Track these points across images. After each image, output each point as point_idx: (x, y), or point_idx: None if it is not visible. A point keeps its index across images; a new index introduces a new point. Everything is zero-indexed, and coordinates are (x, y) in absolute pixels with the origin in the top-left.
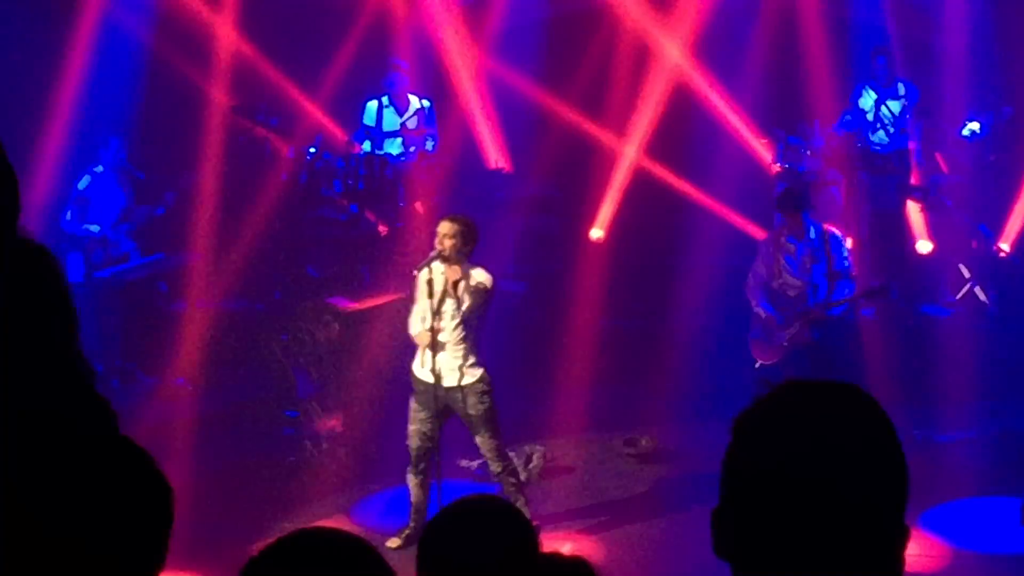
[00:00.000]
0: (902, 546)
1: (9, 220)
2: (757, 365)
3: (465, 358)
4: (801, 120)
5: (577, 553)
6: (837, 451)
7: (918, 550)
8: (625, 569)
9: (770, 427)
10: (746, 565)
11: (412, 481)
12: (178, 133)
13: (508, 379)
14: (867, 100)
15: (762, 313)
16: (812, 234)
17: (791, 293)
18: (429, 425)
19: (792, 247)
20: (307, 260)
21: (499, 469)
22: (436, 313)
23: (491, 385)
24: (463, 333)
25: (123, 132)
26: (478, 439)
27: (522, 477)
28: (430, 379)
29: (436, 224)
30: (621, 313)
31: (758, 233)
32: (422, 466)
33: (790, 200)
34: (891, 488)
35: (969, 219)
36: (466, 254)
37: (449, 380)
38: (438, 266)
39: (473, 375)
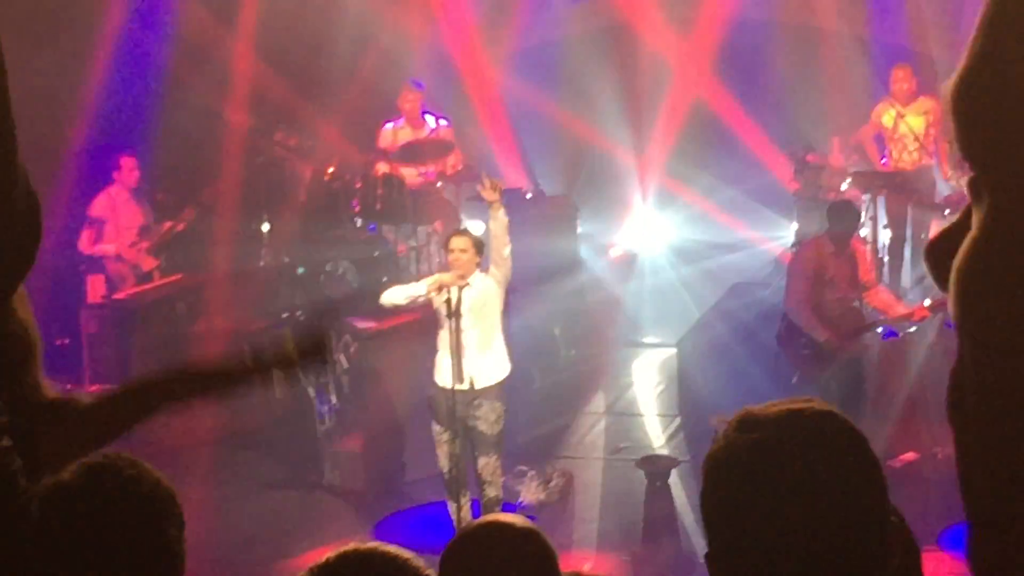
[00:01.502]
0: (897, 545)
1: (33, 245)
2: (794, 380)
3: (498, 353)
4: (820, 138)
5: (597, 573)
6: (805, 475)
7: (939, 569)
8: None
9: (737, 464)
10: None
11: (453, 508)
12: (196, 153)
13: (531, 398)
14: (888, 117)
15: (821, 335)
16: (849, 248)
17: (836, 308)
18: (454, 445)
19: (841, 259)
20: (326, 280)
21: (494, 494)
22: (459, 326)
23: (507, 405)
24: (494, 334)
25: (140, 152)
26: (482, 460)
27: (542, 497)
28: (456, 385)
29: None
30: (643, 331)
31: (776, 250)
32: (458, 490)
33: (851, 213)
34: (868, 495)
35: None
36: (478, 264)
37: (482, 382)
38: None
39: (505, 370)
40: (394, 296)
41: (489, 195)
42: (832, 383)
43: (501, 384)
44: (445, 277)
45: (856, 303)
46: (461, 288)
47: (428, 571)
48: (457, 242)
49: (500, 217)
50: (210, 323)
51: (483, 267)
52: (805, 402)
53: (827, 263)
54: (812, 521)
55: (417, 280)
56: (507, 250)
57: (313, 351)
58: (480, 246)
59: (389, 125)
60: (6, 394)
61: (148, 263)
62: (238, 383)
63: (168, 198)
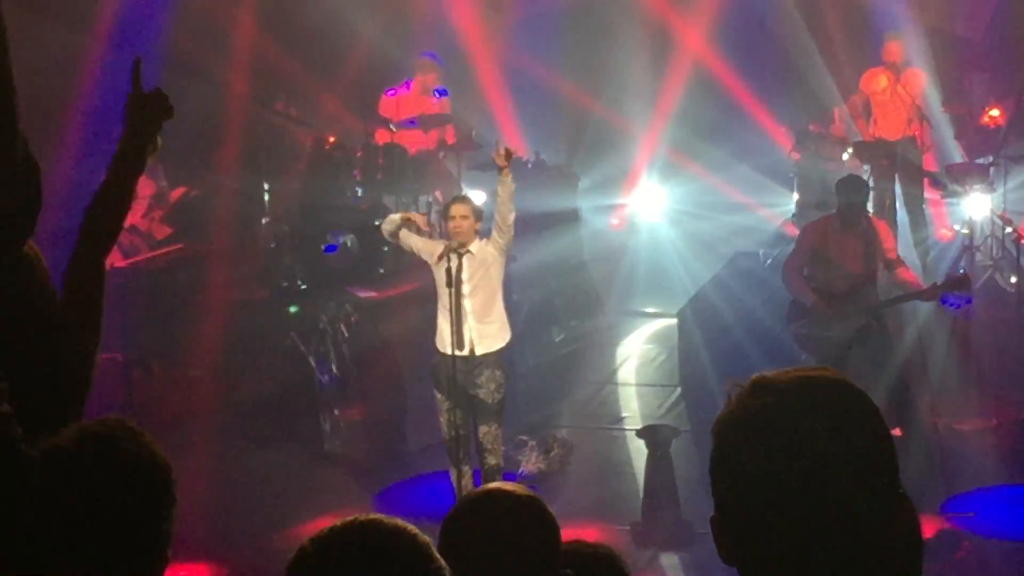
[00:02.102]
0: (904, 518)
1: (32, 212)
2: (803, 358)
3: (498, 321)
4: (821, 107)
5: (598, 542)
6: (816, 442)
7: (940, 538)
8: (648, 557)
9: (748, 428)
10: (751, 569)
11: (455, 477)
12: (198, 122)
13: (532, 369)
14: (881, 82)
15: (808, 299)
16: (864, 223)
17: (843, 285)
18: (457, 413)
19: (849, 236)
20: (327, 249)
21: (495, 462)
22: (459, 292)
23: (508, 374)
24: (494, 301)
25: None
26: (483, 428)
27: (543, 466)
28: (456, 352)
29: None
30: (643, 301)
31: (777, 220)
32: (461, 458)
33: (858, 188)
34: (880, 467)
35: (989, 205)
36: (477, 231)
37: (482, 348)
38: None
39: (505, 338)
40: (385, 224)
41: (501, 160)
42: (850, 361)
43: (501, 352)
44: (415, 215)
45: (866, 281)
46: (462, 255)
47: (431, 547)
48: (457, 209)
49: (508, 183)
50: (210, 292)
51: (484, 234)
52: (820, 370)
53: (830, 241)
54: (819, 488)
55: (420, 248)
56: (512, 217)
57: (156, 102)
58: (480, 213)
59: (391, 93)
60: (29, 362)
61: (162, 231)
62: (130, 162)
63: (172, 167)
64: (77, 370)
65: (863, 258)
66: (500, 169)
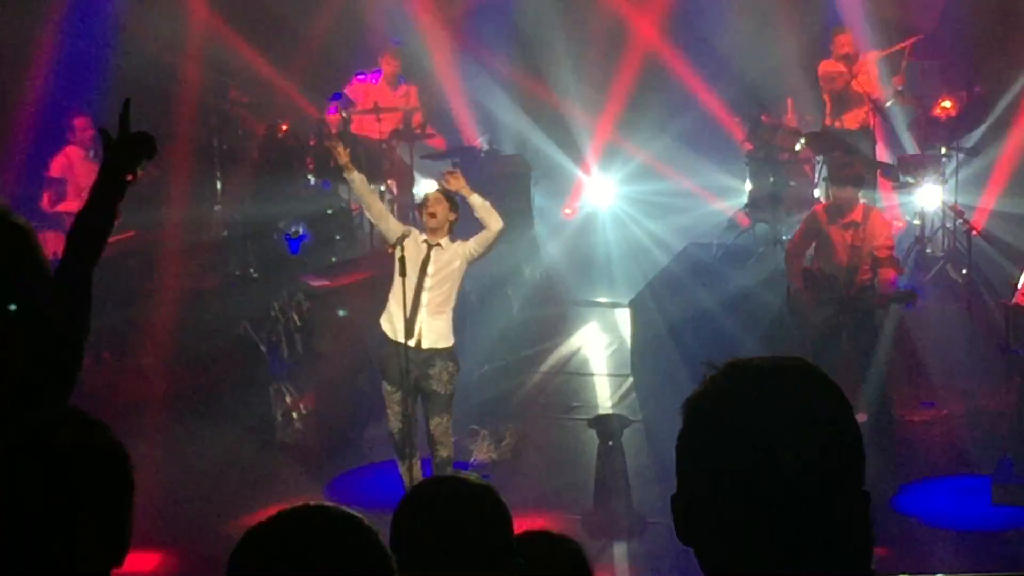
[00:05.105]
0: (865, 512)
1: None
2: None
3: (448, 322)
4: (774, 98)
5: (551, 529)
6: (785, 429)
7: (890, 528)
8: (598, 547)
9: (718, 409)
10: (708, 550)
11: (403, 468)
12: (150, 111)
13: (483, 358)
14: (839, 79)
15: (794, 284)
16: (859, 214)
17: (827, 271)
18: (405, 404)
19: (839, 226)
20: (279, 237)
21: (447, 454)
22: (421, 283)
23: (459, 366)
24: (450, 301)
25: (93, 110)
26: (434, 420)
27: (495, 456)
28: (407, 340)
29: (414, 201)
30: (595, 291)
31: (729, 211)
32: (408, 450)
33: (852, 175)
34: (845, 459)
35: (940, 197)
36: (453, 223)
37: (428, 342)
38: (412, 241)
39: (450, 340)
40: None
41: (455, 184)
42: (833, 347)
43: (450, 349)
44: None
45: (848, 273)
46: (431, 247)
47: (376, 535)
48: (434, 199)
49: (476, 200)
50: (162, 280)
51: (461, 235)
52: (795, 359)
53: (824, 225)
54: (780, 475)
55: (380, 218)
56: (497, 228)
57: (141, 143)
58: (456, 206)
59: (362, 77)
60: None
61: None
62: (110, 189)
63: None
64: (67, 351)
65: (849, 251)
66: (462, 193)
